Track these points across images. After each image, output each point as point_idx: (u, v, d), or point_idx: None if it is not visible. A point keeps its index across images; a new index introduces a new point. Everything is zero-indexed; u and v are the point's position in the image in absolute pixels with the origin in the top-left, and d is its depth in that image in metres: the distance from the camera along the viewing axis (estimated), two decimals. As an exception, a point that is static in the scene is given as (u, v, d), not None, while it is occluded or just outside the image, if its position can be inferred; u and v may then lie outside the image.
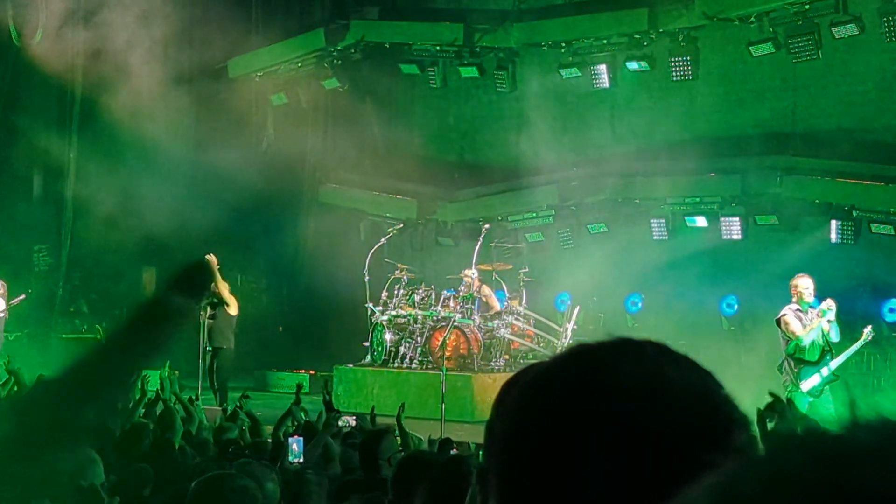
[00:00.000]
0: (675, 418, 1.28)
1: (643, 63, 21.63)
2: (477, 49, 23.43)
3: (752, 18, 20.24)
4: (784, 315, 14.54)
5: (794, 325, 14.43)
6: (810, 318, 14.46)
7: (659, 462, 1.24)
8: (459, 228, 24.05)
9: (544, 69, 22.79)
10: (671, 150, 21.48)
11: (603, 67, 21.87)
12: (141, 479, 7.05)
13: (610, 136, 22.99)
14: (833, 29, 19.41)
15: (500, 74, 23.24)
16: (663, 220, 21.76)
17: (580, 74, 22.05)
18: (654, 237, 21.77)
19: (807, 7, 19.65)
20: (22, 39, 24.37)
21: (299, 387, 11.34)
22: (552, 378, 1.37)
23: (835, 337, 14.48)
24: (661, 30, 21.31)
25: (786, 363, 14.69)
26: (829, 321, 14.37)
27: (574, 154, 22.59)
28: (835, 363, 14.54)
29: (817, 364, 14.50)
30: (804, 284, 14.55)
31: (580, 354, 1.39)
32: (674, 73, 21.26)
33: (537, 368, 1.42)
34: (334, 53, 24.81)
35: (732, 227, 20.98)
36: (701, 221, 21.40)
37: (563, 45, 22.34)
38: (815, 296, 14.58)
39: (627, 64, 21.77)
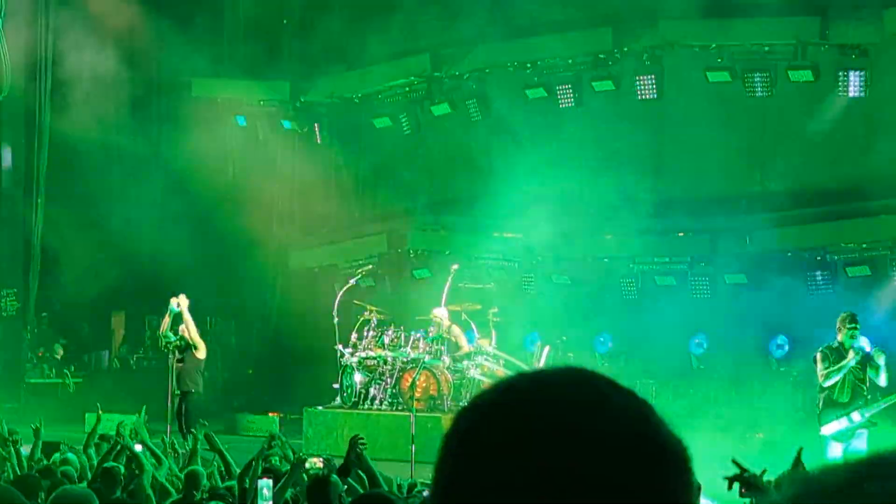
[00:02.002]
0: (600, 459, 1.29)
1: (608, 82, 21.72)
2: (445, 79, 23.44)
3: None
4: (816, 353, 13.90)
5: (819, 365, 13.76)
6: (848, 358, 13.65)
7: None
8: (432, 258, 23.96)
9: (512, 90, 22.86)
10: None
11: (568, 87, 22.01)
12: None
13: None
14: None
15: (471, 103, 23.23)
16: (632, 280, 22.03)
17: (546, 95, 22.15)
18: (623, 296, 21.99)
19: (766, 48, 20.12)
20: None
21: (272, 437, 11.23)
22: (482, 402, 1.40)
23: (883, 382, 13.67)
24: (625, 49, 21.49)
25: (819, 400, 14.01)
26: (863, 362, 13.62)
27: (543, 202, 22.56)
28: (870, 411, 13.73)
29: (846, 407, 13.72)
30: (841, 322, 13.83)
31: (500, 391, 1.41)
32: (639, 93, 21.43)
33: (468, 408, 1.44)
34: (298, 105, 25.00)
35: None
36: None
37: (529, 65, 22.46)
38: (858, 335, 13.75)
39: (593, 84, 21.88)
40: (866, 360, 13.73)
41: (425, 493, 8.95)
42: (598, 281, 22.28)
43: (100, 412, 13.42)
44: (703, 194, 21.91)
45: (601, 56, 21.75)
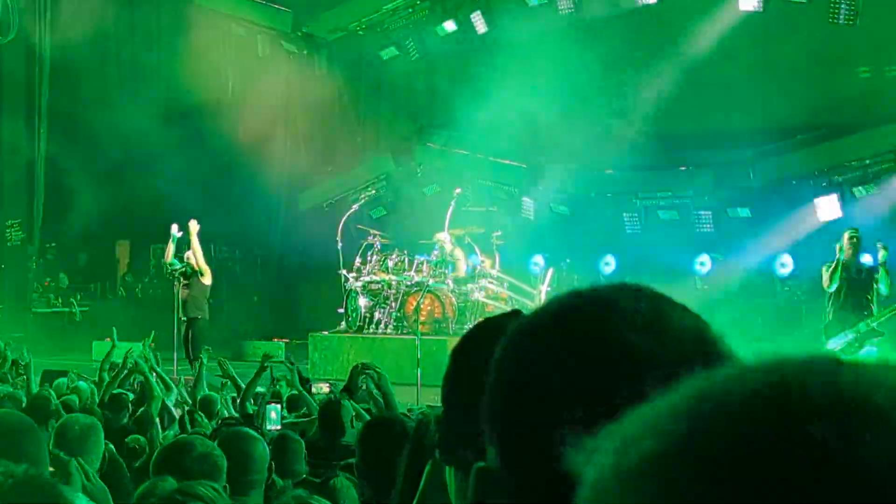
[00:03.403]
0: (678, 351, 1.32)
1: None
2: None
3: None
4: (824, 266, 14.62)
5: (824, 276, 14.53)
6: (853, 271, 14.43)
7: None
8: (439, 174, 23.90)
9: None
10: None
11: None
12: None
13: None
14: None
15: (475, 17, 23.00)
16: (635, 214, 22.06)
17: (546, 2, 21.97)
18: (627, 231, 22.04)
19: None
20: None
21: (265, 357, 11.30)
22: (557, 317, 1.39)
23: (883, 289, 14.27)
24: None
25: (827, 314, 14.68)
26: (868, 276, 14.30)
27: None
28: (876, 320, 14.27)
29: (851, 319, 14.35)
30: (843, 240, 14.60)
31: (580, 295, 1.41)
32: None
33: (537, 313, 1.43)
34: (300, 35, 24.79)
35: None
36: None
37: None
38: (861, 250, 14.63)
39: None
40: (872, 274, 14.28)
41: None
42: (599, 214, 22.35)
43: (115, 340, 13.50)
44: (706, 128, 21.86)
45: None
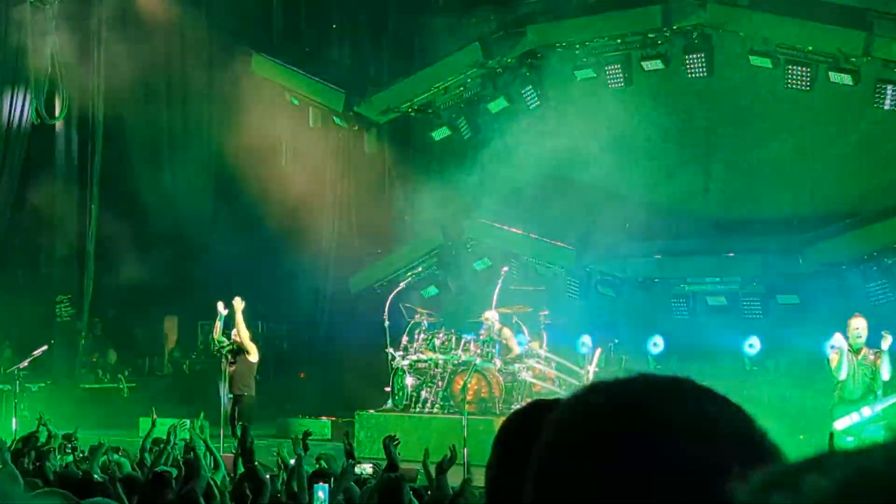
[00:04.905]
0: (722, 453, 1.28)
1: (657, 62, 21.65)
2: (498, 70, 23.37)
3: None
4: (830, 350, 14.89)
5: (833, 361, 14.77)
6: (860, 356, 14.67)
7: (709, 497, 1.24)
8: (489, 248, 23.87)
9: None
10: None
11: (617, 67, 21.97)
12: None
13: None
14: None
15: (527, 91, 23.20)
16: (683, 300, 21.96)
17: (595, 75, 22.10)
18: (675, 315, 21.93)
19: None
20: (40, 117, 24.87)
21: (306, 434, 11.23)
22: (590, 414, 1.35)
23: (885, 375, 14.50)
24: (674, 27, 21.39)
25: (833, 397, 14.95)
26: (874, 360, 14.51)
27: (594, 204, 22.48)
28: (881, 405, 14.49)
29: (857, 403, 14.55)
30: (854, 325, 14.81)
31: (613, 390, 1.38)
32: (689, 71, 21.40)
33: (568, 405, 1.40)
34: (351, 115, 24.96)
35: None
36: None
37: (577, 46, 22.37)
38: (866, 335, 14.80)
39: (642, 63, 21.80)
40: (876, 359, 14.60)
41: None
42: (646, 298, 22.27)
43: (155, 416, 13.51)
44: (754, 214, 21.82)
45: (650, 35, 21.66)
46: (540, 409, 2.13)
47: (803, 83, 20.28)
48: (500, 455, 2.14)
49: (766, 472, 1.02)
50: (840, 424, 14.36)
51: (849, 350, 14.68)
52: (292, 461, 10.52)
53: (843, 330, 14.98)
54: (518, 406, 18.59)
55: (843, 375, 14.65)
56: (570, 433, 1.35)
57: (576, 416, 1.37)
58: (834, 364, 14.84)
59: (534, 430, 1.45)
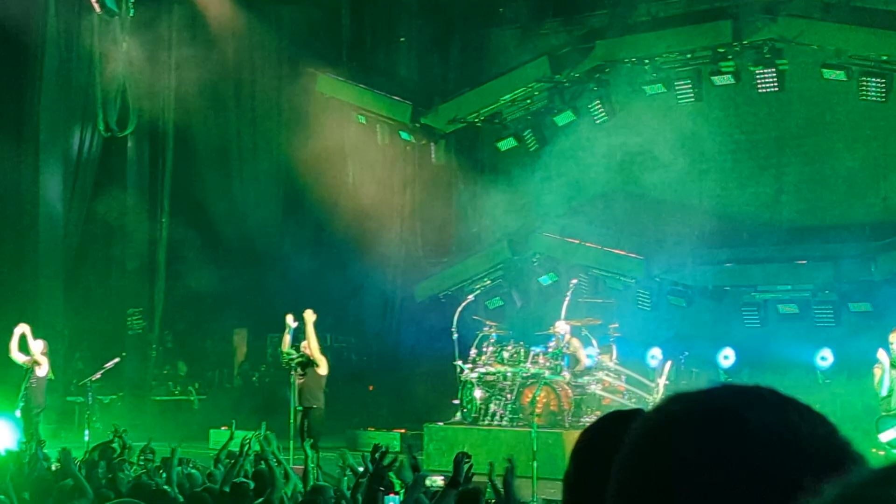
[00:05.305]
0: (810, 462, 1.27)
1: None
2: (566, 83, 23.31)
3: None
4: (875, 366, 14.93)
5: (876, 377, 14.89)
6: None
7: None
8: (555, 263, 23.80)
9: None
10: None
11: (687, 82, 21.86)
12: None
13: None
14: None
15: (594, 105, 23.14)
16: (754, 308, 21.77)
17: (665, 90, 22.00)
18: (746, 325, 21.75)
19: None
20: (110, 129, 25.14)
21: (379, 451, 11.12)
22: (674, 423, 1.34)
23: None
24: (745, 42, 21.23)
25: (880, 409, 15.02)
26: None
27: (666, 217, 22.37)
28: None
29: None
30: (894, 339, 14.81)
31: (696, 400, 1.36)
32: (759, 86, 21.24)
33: (651, 415, 1.38)
34: (418, 126, 25.03)
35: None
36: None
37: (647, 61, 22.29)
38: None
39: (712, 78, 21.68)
40: None
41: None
42: (717, 307, 22.09)
43: (233, 430, 13.59)
44: (827, 222, 21.60)
45: (720, 50, 21.51)
46: (619, 421, 2.11)
47: (879, 94, 20.05)
48: (579, 467, 2.13)
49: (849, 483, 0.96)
50: (885, 437, 14.48)
51: (890, 366, 14.71)
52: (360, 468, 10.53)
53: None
54: (587, 419, 18.56)
55: (884, 392, 14.76)
56: (654, 443, 1.34)
57: (659, 425, 1.36)
58: (876, 380, 14.93)
59: (613, 442, 1.45)
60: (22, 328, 19.99)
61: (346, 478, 11.14)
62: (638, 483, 1.33)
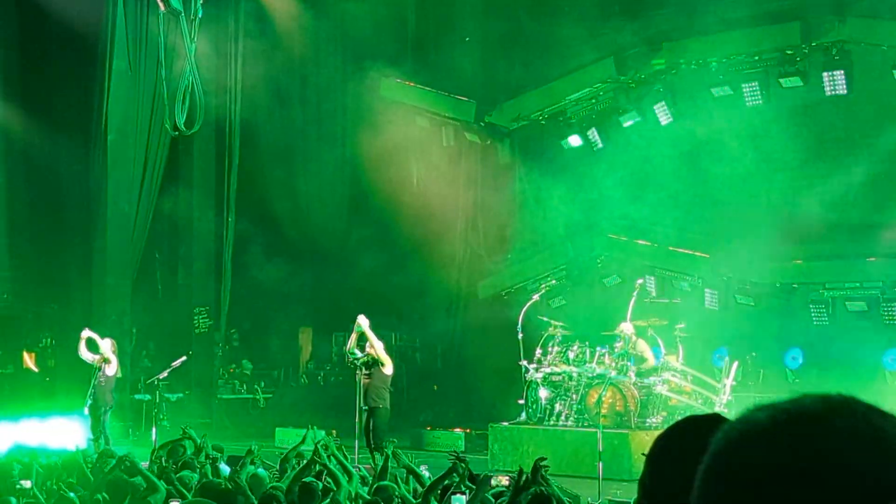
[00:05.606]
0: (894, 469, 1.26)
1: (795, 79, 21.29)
2: (632, 84, 23.21)
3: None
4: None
5: None
6: None
7: None
8: (619, 265, 23.72)
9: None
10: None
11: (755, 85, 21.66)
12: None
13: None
14: None
15: (659, 107, 22.97)
16: (822, 305, 21.54)
17: (732, 92, 21.80)
18: (813, 322, 21.53)
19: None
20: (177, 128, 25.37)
21: (458, 458, 11.08)
22: (760, 433, 1.34)
23: None
24: (813, 43, 21.01)
25: None
26: None
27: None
28: None
29: None
30: None
31: (781, 409, 1.35)
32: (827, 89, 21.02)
33: (736, 424, 1.38)
34: (482, 126, 25.00)
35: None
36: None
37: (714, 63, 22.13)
38: None
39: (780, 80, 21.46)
40: None
41: None
42: (785, 305, 21.89)
43: (308, 429, 13.64)
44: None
45: (788, 52, 21.30)
46: (696, 425, 2.11)
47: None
48: (655, 471, 2.11)
49: None
50: None
51: None
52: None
53: None
54: (653, 420, 18.44)
55: None
56: (741, 452, 1.34)
57: (745, 435, 1.35)
58: None
59: (690, 446, 1.44)
60: (87, 333, 20.23)
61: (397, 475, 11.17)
62: (723, 494, 1.32)
